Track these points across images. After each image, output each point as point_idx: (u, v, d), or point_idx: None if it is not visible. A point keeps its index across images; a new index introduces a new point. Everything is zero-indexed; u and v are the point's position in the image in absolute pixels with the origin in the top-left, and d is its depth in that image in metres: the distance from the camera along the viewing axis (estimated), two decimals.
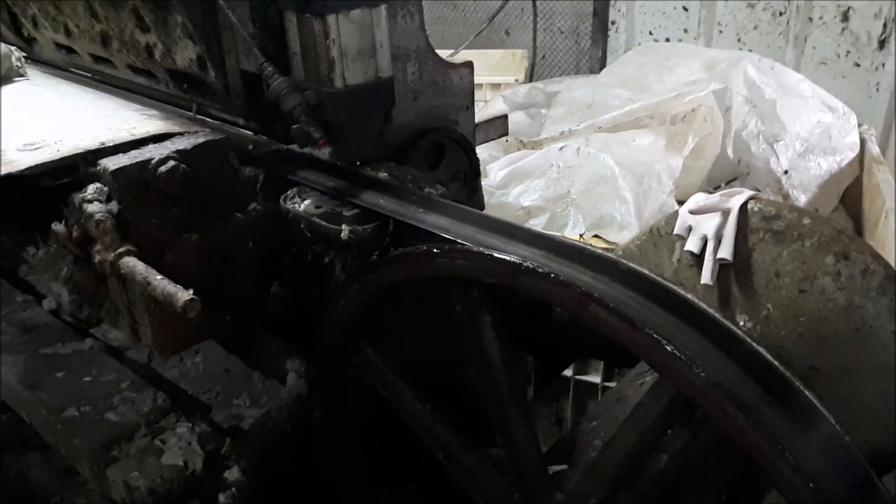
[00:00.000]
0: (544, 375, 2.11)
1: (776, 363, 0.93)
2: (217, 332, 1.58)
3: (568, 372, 2.79)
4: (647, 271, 1.01)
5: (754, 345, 0.94)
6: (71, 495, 2.24)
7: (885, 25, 3.81)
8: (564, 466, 1.39)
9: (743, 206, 1.59)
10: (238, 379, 1.76)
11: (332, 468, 1.65)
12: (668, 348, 0.89)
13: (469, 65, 1.82)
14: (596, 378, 2.76)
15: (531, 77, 4.87)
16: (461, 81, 1.80)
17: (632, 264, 1.03)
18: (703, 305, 0.97)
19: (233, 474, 1.53)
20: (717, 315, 0.95)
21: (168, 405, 1.65)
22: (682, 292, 0.97)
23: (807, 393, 0.92)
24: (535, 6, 4.91)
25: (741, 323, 1.62)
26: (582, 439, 1.48)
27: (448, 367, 1.49)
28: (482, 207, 2.05)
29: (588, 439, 1.46)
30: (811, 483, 0.84)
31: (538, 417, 2.74)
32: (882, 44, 3.86)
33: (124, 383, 1.73)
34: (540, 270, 1.01)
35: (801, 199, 2.93)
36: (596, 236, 2.62)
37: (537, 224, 2.80)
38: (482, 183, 2.97)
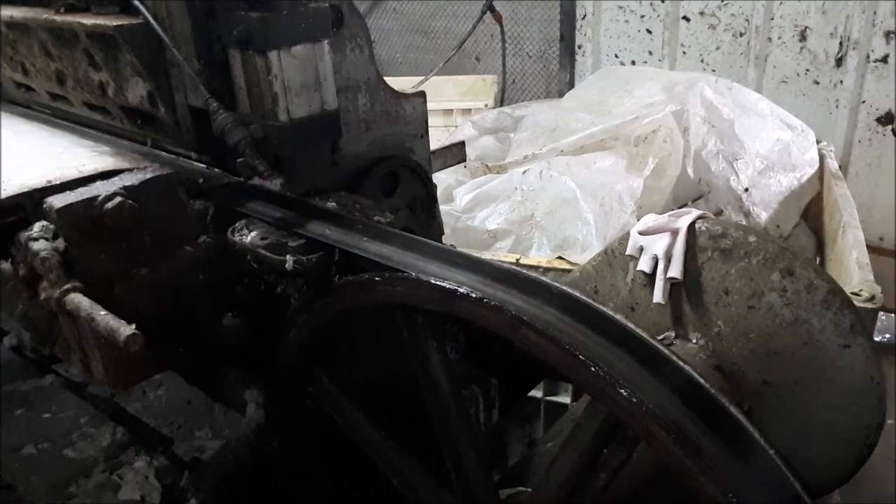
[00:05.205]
0: (509, 397, 2.13)
1: (702, 381, 0.95)
2: (171, 365, 1.58)
3: (538, 393, 2.80)
4: (578, 294, 1.03)
5: (680, 363, 0.96)
6: None
7: (841, 44, 3.90)
8: (521, 489, 1.40)
9: (691, 226, 1.62)
10: (200, 411, 1.77)
11: (294, 497, 1.65)
12: (593, 369, 0.91)
13: (422, 94, 1.85)
14: (566, 399, 2.78)
15: (502, 101, 4.93)
16: (414, 111, 1.84)
17: (564, 287, 1.05)
18: (632, 326, 0.99)
19: None
20: (645, 335, 0.98)
21: (127, 440, 1.65)
22: (610, 313, 1.00)
23: (732, 410, 0.94)
24: (503, 32, 4.98)
25: (693, 341, 1.65)
26: (537, 461, 1.50)
27: (408, 393, 1.50)
28: (441, 233, 2.07)
29: (543, 460, 1.48)
30: (735, 498, 0.86)
31: (510, 439, 2.74)
32: (839, 61, 3.95)
33: (84, 419, 1.73)
34: (473, 296, 1.04)
35: (763, 216, 2.97)
36: (560, 258, 2.64)
37: (503, 247, 2.82)
38: (448, 208, 3.01)
